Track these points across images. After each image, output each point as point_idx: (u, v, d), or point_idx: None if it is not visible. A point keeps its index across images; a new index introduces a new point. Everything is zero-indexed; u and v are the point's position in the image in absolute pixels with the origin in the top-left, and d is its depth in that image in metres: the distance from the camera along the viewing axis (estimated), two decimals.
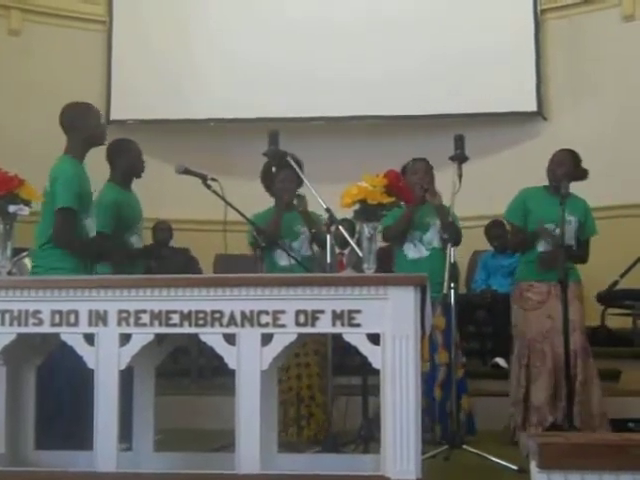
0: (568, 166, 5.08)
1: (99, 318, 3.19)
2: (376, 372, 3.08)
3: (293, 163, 4.66)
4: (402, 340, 3.03)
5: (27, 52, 8.53)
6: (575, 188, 5.05)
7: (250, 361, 3.10)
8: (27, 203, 3.47)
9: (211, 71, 8.71)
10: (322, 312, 3.10)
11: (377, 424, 3.12)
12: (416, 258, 5.11)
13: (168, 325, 3.17)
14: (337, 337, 3.87)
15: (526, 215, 5.13)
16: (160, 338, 3.38)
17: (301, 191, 5.11)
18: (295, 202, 5.09)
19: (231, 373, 3.14)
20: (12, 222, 3.43)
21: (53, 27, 8.69)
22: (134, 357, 3.21)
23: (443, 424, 4.87)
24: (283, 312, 3.11)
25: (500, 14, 8.45)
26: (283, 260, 4.99)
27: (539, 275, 5.04)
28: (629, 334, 6.96)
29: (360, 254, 3.46)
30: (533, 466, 2.73)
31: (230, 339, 3.14)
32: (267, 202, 5.27)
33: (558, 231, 4.74)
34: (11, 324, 3.24)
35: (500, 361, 6.32)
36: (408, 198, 3.38)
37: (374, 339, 3.07)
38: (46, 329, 3.23)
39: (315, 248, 5.17)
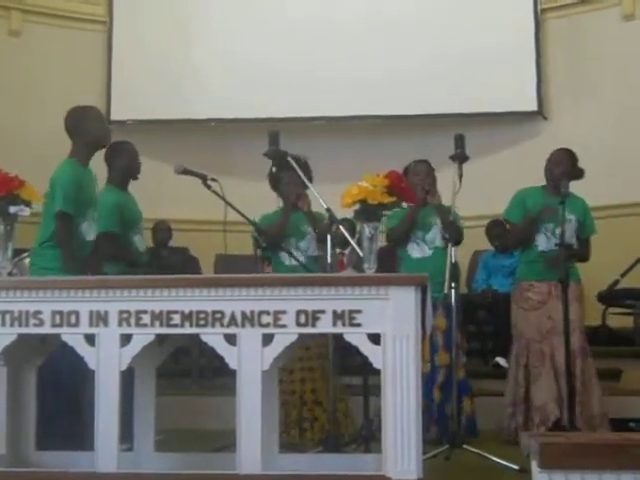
0: (566, 165, 5.09)
1: (100, 318, 3.19)
2: (377, 372, 3.08)
3: (294, 164, 4.65)
4: (403, 340, 3.03)
5: (27, 52, 8.53)
6: (575, 187, 5.05)
7: (251, 361, 3.10)
8: (28, 204, 3.47)
9: (211, 71, 8.71)
10: (323, 312, 3.09)
11: (378, 424, 3.12)
12: (419, 257, 5.12)
13: (169, 325, 3.17)
14: (338, 337, 3.87)
15: (525, 214, 5.13)
16: (161, 338, 3.38)
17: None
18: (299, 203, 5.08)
19: (232, 373, 3.13)
20: (13, 223, 3.43)
21: (53, 27, 8.69)
22: (135, 357, 3.21)
23: (441, 425, 4.87)
24: (284, 312, 3.11)
25: (500, 14, 8.45)
26: (287, 260, 4.98)
27: (540, 275, 5.04)
28: (630, 333, 6.96)
29: (361, 254, 3.46)
30: (534, 466, 2.73)
31: (231, 339, 3.13)
32: (267, 202, 5.27)
33: (558, 230, 4.74)
34: (12, 325, 3.23)
35: (501, 361, 6.32)
36: (410, 198, 3.38)
37: (375, 339, 3.07)
38: (47, 330, 3.23)
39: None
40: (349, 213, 3.44)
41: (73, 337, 3.21)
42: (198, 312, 3.15)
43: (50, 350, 3.56)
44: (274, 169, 5.07)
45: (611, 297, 6.86)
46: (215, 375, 6.34)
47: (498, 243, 7.02)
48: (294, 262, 4.86)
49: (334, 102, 8.48)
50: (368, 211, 3.24)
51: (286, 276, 3.75)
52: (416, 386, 3.02)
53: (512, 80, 8.36)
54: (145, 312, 3.17)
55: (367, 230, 3.25)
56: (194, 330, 3.17)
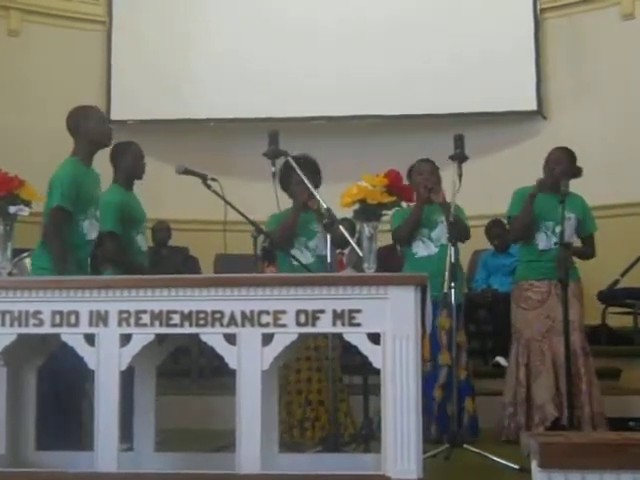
0: (565, 164, 5.09)
1: (100, 318, 3.19)
2: (377, 372, 3.08)
3: (293, 163, 4.65)
4: (402, 340, 3.03)
5: (26, 52, 8.53)
6: (574, 186, 5.05)
7: (251, 361, 3.10)
8: (27, 204, 3.48)
9: (211, 71, 8.71)
10: (322, 312, 3.09)
11: (378, 423, 3.12)
12: (425, 255, 5.12)
13: (168, 325, 3.17)
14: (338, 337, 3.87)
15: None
16: (161, 338, 3.38)
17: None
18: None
19: (232, 373, 3.13)
20: (12, 223, 3.43)
21: (52, 27, 8.69)
22: (135, 357, 3.21)
23: (442, 425, 4.87)
24: (284, 312, 3.11)
25: (500, 13, 8.45)
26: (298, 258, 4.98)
27: (540, 274, 5.04)
28: (630, 333, 6.97)
29: (360, 254, 3.46)
30: (534, 465, 2.73)
31: (231, 339, 3.14)
32: (267, 202, 5.25)
33: (559, 229, 4.74)
34: (11, 325, 3.23)
35: (501, 360, 6.32)
36: (409, 198, 3.38)
37: (374, 339, 3.07)
38: (47, 330, 3.23)
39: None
40: (349, 213, 3.45)
41: (73, 337, 3.21)
42: (198, 312, 3.15)
43: (50, 350, 3.56)
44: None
45: (611, 296, 6.87)
46: (215, 375, 6.34)
47: (498, 242, 7.02)
48: (305, 261, 4.87)
49: (333, 102, 8.49)
50: (367, 211, 3.24)
51: (286, 276, 3.75)
52: (416, 386, 3.02)
53: (512, 80, 8.36)
54: (145, 312, 3.17)
55: (367, 230, 3.25)
56: (194, 330, 3.17)
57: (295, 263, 4.86)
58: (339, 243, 4.81)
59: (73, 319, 3.20)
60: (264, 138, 4.63)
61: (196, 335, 3.19)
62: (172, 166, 4.52)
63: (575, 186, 5.04)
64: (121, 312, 3.18)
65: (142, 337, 3.19)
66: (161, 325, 3.17)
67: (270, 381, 3.28)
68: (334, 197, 5.02)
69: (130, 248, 4.78)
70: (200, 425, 5.65)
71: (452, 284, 4.62)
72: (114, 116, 8.48)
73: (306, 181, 4.73)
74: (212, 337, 3.15)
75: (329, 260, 4.56)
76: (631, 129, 7.93)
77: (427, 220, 5.15)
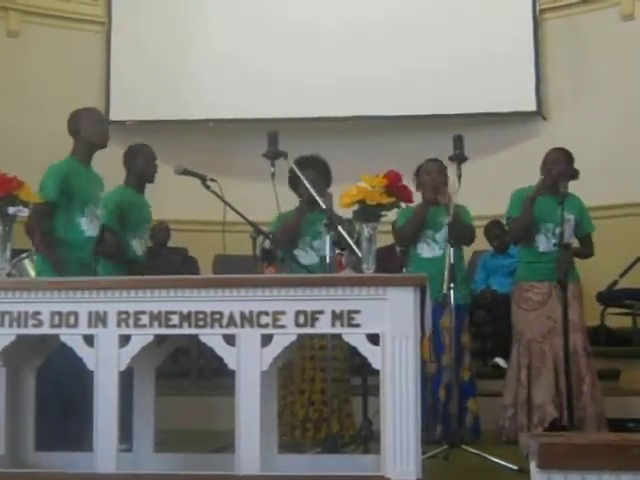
0: (563, 165, 5.09)
1: (99, 319, 3.19)
2: (376, 372, 3.08)
3: (293, 165, 4.65)
4: (402, 340, 3.03)
5: (25, 53, 8.53)
6: (573, 187, 5.05)
7: (250, 362, 3.10)
8: (26, 204, 3.47)
9: (210, 71, 8.70)
10: (322, 312, 3.10)
11: (377, 424, 3.12)
12: (430, 257, 5.11)
13: (168, 326, 3.17)
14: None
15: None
16: (160, 339, 3.38)
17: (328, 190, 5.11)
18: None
19: (231, 374, 3.13)
20: (11, 223, 3.43)
21: (52, 28, 8.69)
22: (134, 358, 3.21)
23: (446, 425, 4.87)
24: (283, 313, 3.11)
25: (499, 14, 8.45)
26: (303, 259, 4.98)
27: (540, 275, 5.04)
28: (629, 334, 6.97)
29: (359, 254, 3.46)
30: (533, 466, 2.73)
31: (230, 340, 3.13)
32: (266, 203, 5.25)
33: (559, 230, 4.74)
34: (11, 325, 3.23)
35: (500, 361, 6.32)
36: (408, 198, 3.38)
37: (374, 339, 3.07)
38: (46, 330, 3.23)
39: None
40: (348, 213, 3.44)
41: (72, 338, 3.21)
42: (197, 313, 3.15)
43: (49, 351, 3.56)
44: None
45: (610, 297, 6.87)
46: (214, 375, 6.34)
47: (497, 243, 7.02)
48: (309, 261, 4.88)
49: (334, 102, 8.48)
50: (367, 212, 3.24)
51: (285, 277, 3.75)
52: (415, 386, 3.02)
53: (511, 80, 8.36)
54: (144, 313, 3.17)
55: (366, 231, 3.24)
56: (193, 331, 3.17)
57: (302, 263, 4.86)
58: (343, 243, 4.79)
59: (72, 320, 3.20)
60: (264, 139, 4.63)
61: (195, 336, 3.19)
62: (171, 167, 4.52)
63: (574, 186, 5.03)
64: (120, 313, 3.18)
65: (141, 338, 3.19)
66: (160, 326, 3.17)
67: (269, 382, 3.28)
68: (334, 197, 5.04)
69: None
70: (199, 426, 5.65)
71: (452, 285, 4.61)
72: (113, 117, 8.49)
73: (305, 182, 4.73)
74: (211, 338, 3.15)
75: (328, 261, 4.56)
76: (631, 130, 7.93)
77: (432, 221, 5.13)
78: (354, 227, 5.34)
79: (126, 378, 3.30)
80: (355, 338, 3.10)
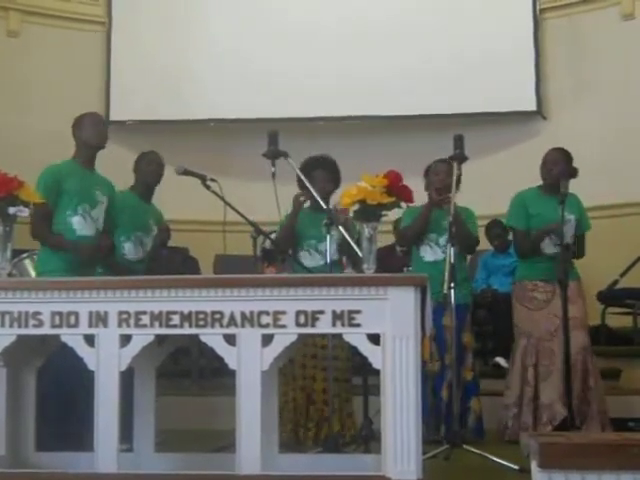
0: (563, 164, 5.09)
1: (99, 319, 3.19)
2: (376, 372, 3.08)
3: (293, 164, 4.65)
4: (402, 340, 3.03)
5: (26, 53, 8.53)
6: (572, 186, 5.05)
7: (250, 362, 3.10)
8: (27, 204, 3.48)
9: (210, 71, 8.70)
10: (322, 312, 3.10)
11: (378, 424, 3.12)
12: (432, 260, 5.11)
13: (168, 326, 3.17)
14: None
15: (528, 218, 5.13)
16: (160, 339, 3.38)
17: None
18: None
19: (232, 374, 3.14)
20: (12, 224, 3.44)
21: (52, 28, 8.68)
22: (134, 358, 3.21)
23: (449, 424, 4.86)
24: (283, 313, 3.12)
25: (500, 13, 8.45)
26: (307, 261, 4.98)
27: (544, 275, 5.03)
28: (629, 333, 6.97)
29: (360, 254, 3.46)
30: (534, 466, 2.74)
31: (230, 340, 3.14)
32: (266, 203, 5.25)
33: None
34: (11, 325, 3.24)
35: (501, 361, 6.32)
36: (408, 198, 3.38)
37: (374, 339, 3.08)
38: (46, 330, 3.23)
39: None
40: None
41: (73, 338, 3.21)
42: (197, 312, 3.16)
43: (50, 351, 3.56)
44: (302, 168, 5.07)
45: (610, 297, 6.86)
46: (215, 375, 6.34)
47: (497, 243, 7.02)
48: (313, 263, 4.90)
49: (334, 102, 8.48)
50: (367, 211, 3.24)
51: (285, 277, 3.76)
52: (416, 386, 3.02)
53: (511, 80, 8.36)
54: (144, 313, 3.17)
55: (366, 230, 3.24)
56: (193, 330, 3.17)
57: (307, 264, 4.85)
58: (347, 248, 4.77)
59: (73, 320, 3.20)
60: (264, 138, 4.64)
61: (196, 336, 3.19)
62: (172, 167, 4.53)
63: (574, 186, 5.03)
64: (121, 313, 3.18)
65: (142, 338, 3.19)
66: (161, 326, 3.17)
67: (270, 382, 3.28)
68: (334, 197, 5.04)
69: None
70: (200, 426, 5.65)
71: (452, 284, 4.61)
72: (113, 116, 8.49)
73: (306, 182, 4.74)
74: (212, 338, 3.15)
75: (329, 261, 4.56)
76: (631, 129, 7.93)
77: (436, 225, 5.12)
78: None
79: (127, 378, 3.30)
80: (356, 338, 3.10)
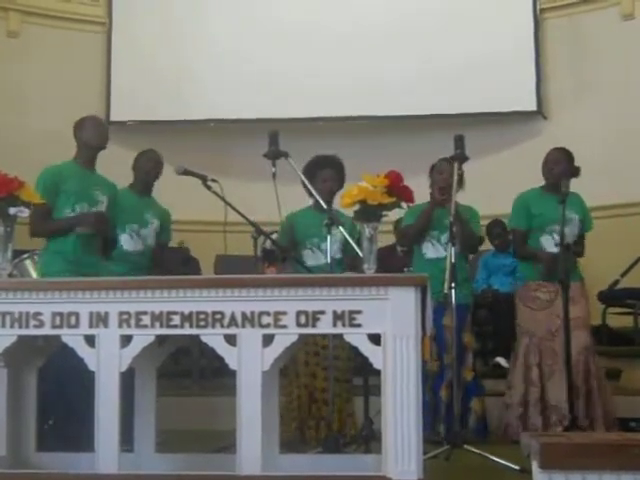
0: (564, 164, 5.09)
1: (100, 320, 3.19)
2: (377, 372, 3.08)
3: (293, 164, 4.65)
4: (403, 340, 3.02)
5: (26, 54, 8.53)
6: (574, 186, 5.05)
7: (251, 362, 3.10)
8: (27, 205, 3.47)
9: (211, 72, 8.71)
10: (323, 313, 3.09)
11: (378, 424, 3.12)
12: (434, 258, 5.12)
13: (169, 326, 3.17)
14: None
15: (530, 219, 5.13)
16: (161, 339, 3.38)
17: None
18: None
19: (232, 374, 3.13)
20: (12, 224, 3.43)
21: (52, 29, 8.69)
22: (135, 358, 3.21)
23: (448, 424, 4.86)
24: (284, 313, 3.11)
25: (500, 13, 8.46)
26: (310, 260, 4.99)
27: (547, 275, 5.03)
28: (630, 333, 6.97)
29: (360, 254, 3.46)
30: (535, 466, 2.73)
31: (231, 340, 3.13)
32: (267, 203, 5.26)
33: (565, 231, 4.75)
34: (12, 326, 3.23)
35: (501, 360, 6.31)
36: (409, 198, 3.38)
37: (375, 339, 3.07)
38: (47, 331, 3.23)
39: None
40: (348, 213, 3.44)
41: (73, 338, 3.20)
42: (198, 313, 3.15)
43: (50, 351, 3.56)
44: (307, 167, 5.08)
45: (611, 297, 6.87)
46: (215, 376, 6.34)
47: (498, 242, 7.02)
48: (316, 262, 4.92)
49: (334, 102, 8.48)
50: (368, 211, 3.24)
51: (286, 277, 3.75)
52: (416, 386, 3.02)
53: (512, 80, 8.37)
54: (145, 313, 3.17)
55: (367, 230, 3.24)
56: (194, 331, 3.16)
57: (309, 264, 4.85)
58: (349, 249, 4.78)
59: (73, 320, 3.20)
60: (264, 139, 4.64)
61: (196, 336, 3.19)
62: (171, 167, 4.53)
63: (575, 186, 5.03)
64: (121, 313, 3.18)
65: (142, 338, 3.18)
66: (161, 326, 3.17)
67: (271, 382, 3.28)
68: (335, 197, 5.04)
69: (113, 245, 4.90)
70: (201, 426, 5.65)
71: (453, 284, 4.61)
72: (114, 117, 8.50)
73: (306, 182, 4.74)
74: (212, 338, 3.15)
75: (329, 260, 4.56)
76: (631, 129, 7.93)
77: (438, 223, 5.13)
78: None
79: (127, 378, 3.30)
80: (356, 338, 3.09)
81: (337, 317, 3.09)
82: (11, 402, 3.45)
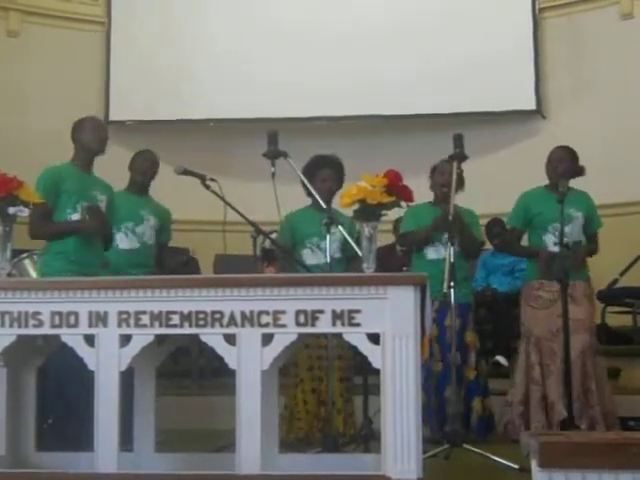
0: (568, 162, 5.09)
1: (99, 319, 3.19)
2: (376, 372, 3.08)
3: (292, 163, 4.65)
4: (402, 340, 3.03)
5: (26, 53, 8.53)
6: (576, 185, 5.05)
7: (250, 361, 3.10)
8: (26, 205, 3.48)
9: (210, 71, 8.70)
10: (322, 312, 3.09)
11: (378, 423, 3.12)
12: (435, 259, 5.11)
13: (168, 326, 3.17)
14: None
15: (530, 219, 5.14)
16: (160, 339, 3.38)
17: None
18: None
19: (232, 373, 3.13)
20: (12, 224, 3.44)
21: (51, 28, 8.69)
22: (134, 358, 3.21)
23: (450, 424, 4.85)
24: (283, 312, 3.11)
25: (499, 13, 8.46)
26: (309, 259, 4.99)
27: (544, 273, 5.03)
28: (629, 332, 6.97)
29: (360, 254, 3.46)
30: (534, 465, 2.73)
31: (230, 339, 3.14)
32: (266, 203, 5.26)
33: (567, 229, 4.75)
34: (11, 325, 3.23)
35: (501, 359, 6.31)
36: (408, 198, 3.38)
37: (374, 339, 3.07)
38: (46, 330, 3.23)
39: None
40: (348, 213, 3.44)
41: (72, 338, 3.21)
42: (197, 312, 3.15)
43: (50, 351, 3.56)
44: (307, 166, 5.08)
45: (610, 296, 6.86)
46: (215, 375, 6.34)
47: (497, 242, 7.01)
48: (316, 261, 4.92)
49: (334, 102, 8.48)
50: (367, 211, 3.24)
51: (285, 276, 3.75)
52: (416, 386, 3.02)
53: (511, 79, 8.37)
54: (144, 312, 3.17)
55: (366, 230, 3.24)
56: (193, 330, 3.17)
57: (309, 263, 4.85)
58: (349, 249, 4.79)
59: (73, 320, 3.20)
60: (263, 138, 4.64)
61: (196, 335, 3.19)
62: (170, 166, 4.53)
63: (575, 185, 5.04)
64: (121, 313, 3.18)
65: (142, 338, 3.19)
66: (161, 326, 3.17)
67: (270, 381, 3.28)
68: (335, 197, 5.04)
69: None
70: (200, 425, 5.65)
71: (452, 284, 4.60)
72: (113, 117, 8.50)
73: (306, 182, 4.75)
74: (212, 337, 3.15)
75: (329, 260, 4.56)
76: (631, 128, 7.93)
77: None
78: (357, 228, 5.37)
79: (127, 378, 3.30)
80: (355, 337, 3.10)
81: (336, 316, 3.09)
82: (10, 402, 3.45)
